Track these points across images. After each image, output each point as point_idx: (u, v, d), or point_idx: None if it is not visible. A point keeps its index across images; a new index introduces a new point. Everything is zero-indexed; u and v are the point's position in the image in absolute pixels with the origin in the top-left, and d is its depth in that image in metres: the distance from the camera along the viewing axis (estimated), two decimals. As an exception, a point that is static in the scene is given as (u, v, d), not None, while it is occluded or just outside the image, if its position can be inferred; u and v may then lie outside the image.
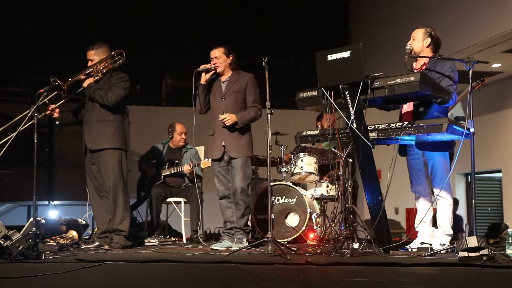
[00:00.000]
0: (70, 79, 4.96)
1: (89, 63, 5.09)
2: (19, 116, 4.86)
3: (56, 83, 4.85)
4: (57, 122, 5.32)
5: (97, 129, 4.97)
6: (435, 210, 4.55)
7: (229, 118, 4.84)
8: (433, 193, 4.48)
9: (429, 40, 4.43)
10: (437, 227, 4.49)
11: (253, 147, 5.03)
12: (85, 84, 5.01)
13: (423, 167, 4.49)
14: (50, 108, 4.98)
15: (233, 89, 4.96)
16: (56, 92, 4.92)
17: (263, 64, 4.61)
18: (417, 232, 4.57)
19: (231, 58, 5.03)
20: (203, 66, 4.97)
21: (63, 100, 5.08)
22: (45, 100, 4.77)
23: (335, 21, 11.09)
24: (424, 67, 4.43)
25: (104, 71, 5.04)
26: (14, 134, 4.72)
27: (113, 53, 5.07)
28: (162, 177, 6.33)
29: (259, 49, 8.81)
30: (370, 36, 10.14)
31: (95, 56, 5.08)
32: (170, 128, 6.54)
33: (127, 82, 5.04)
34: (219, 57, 4.99)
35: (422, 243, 4.44)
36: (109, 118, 4.98)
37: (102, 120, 4.97)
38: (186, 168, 6.15)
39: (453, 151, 4.47)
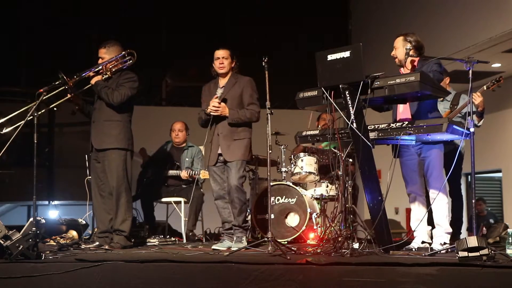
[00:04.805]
0: (76, 76, 4.91)
1: (100, 61, 5.05)
2: (19, 111, 4.83)
3: (63, 79, 4.76)
4: (76, 108, 5.13)
5: (103, 128, 4.95)
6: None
7: (218, 107, 4.78)
8: (427, 192, 4.49)
9: (408, 45, 4.40)
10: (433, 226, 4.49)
11: (253, 148, 5.02)
12: (93, 81, 4.98)
13: (417, 167, 4.50)
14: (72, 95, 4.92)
15: (229, 95, 4.93)
16: (62, 88, 4.84)
17: (263, 64, 4.60)
18: (414, 232, 4.56)
19: (234, 62, 5.03)
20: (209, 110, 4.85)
21: (68, 96, 5.01)
22: (52, 94, 4.70)
23: (335, 21, 11.09)
24: (413, 70, 4.42)
25: (114, 70, 5.01)
26: (12, 129, 4.70)
27: (124, 52, 5.04)
28: (164, 178, 6.36)
29: (258, 49, 8.82)
30: (370, 36, 10.13)
31: (106, 54, 5.05)
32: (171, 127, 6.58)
33: (135, 82, 5.02)
34: (226, 57, 4.98)
35: (423, 242, 4.44)
36: (115, 118, 4.96)
37: (109, 119, 4.95)
38: (183, 174, 6.17)
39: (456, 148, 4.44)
